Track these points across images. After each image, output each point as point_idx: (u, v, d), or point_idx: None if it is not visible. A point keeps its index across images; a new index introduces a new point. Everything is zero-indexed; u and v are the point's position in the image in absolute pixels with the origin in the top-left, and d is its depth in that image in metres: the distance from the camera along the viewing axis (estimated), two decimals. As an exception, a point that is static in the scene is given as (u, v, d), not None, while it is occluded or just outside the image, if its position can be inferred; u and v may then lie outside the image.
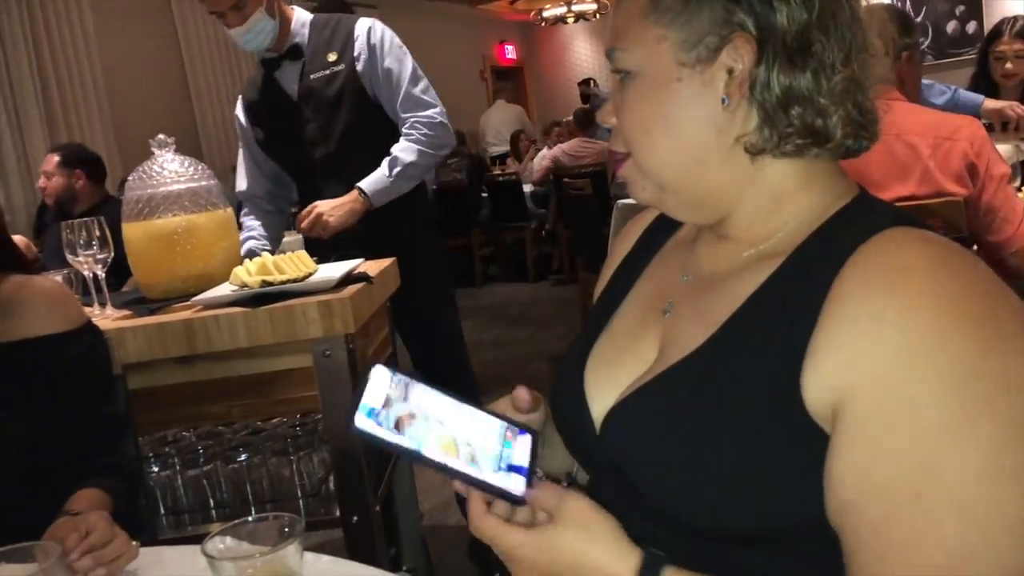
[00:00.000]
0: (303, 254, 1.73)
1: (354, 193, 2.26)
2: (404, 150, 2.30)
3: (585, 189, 4.79)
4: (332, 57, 2.32)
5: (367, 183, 2.27)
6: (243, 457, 1.76)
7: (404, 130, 2.32)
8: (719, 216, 0.79)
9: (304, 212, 2.26)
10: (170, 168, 1.81)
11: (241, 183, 2.52)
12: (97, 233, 1.70)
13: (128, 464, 1.31)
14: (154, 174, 1.80)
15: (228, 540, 0.85)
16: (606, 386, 0.82)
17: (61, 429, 1.20)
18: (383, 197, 2.28)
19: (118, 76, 6.09)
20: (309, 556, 0.98)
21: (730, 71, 0.72)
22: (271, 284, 1.61)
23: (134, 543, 1.03)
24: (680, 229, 0.91)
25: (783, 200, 0.76)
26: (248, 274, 1.64)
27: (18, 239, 3.85)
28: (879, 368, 0.62)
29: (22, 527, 1.06)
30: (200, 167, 1.85)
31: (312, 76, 2.32)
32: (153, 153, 1.83)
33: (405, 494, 2.09)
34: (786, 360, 0.66)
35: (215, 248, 1.81)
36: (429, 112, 2.33)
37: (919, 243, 0.67)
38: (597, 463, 0.82)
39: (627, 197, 5.09)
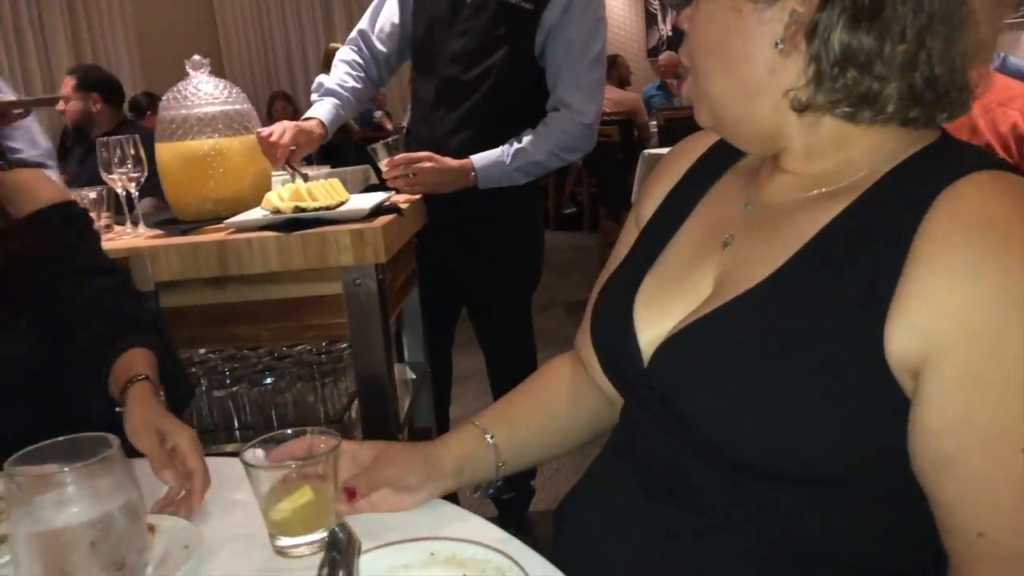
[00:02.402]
0: (336, 183, 1.73)
1: (468, 164, 1.98)
2: (536, 144, 1.99)
3: (612, 136, 4.74)
4: None
5: (481, 161, 1.98)
6: (268, 381, 1.79)
7: (548, 116, 2.01)
8: (771, 150, 0.79)
9: (411, 157, 1.96)
10: (205, 90, 1.80)
11: (368, 23, 2.20)
12: (131, 152, 1.70)
13: (154, 318, 1.31)
14: (189, 95, 1.79)
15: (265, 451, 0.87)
16: (657, 317, 0.81)
17: (76, 284, 1.21)
18: (492, 183, 2.00)
19: (144, 2, 6.04)
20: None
21: (792, 16, 0.70)
22: (304, 210, 1.61)
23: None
24: (741, 158, 0.89)
25: (846, 141, 0.74)
26: (281, 200, 1.64)
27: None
28: (978, 318, 0.62)
29: (67, 396, 1.06)
30: (235, 90, 1.84)
31: None
32: (188, 74, 1.82)
33: (425, 425, 2.12)
34: (866, 304, 0.66)
35: (246, 172, 1.81)
36: (583, 108, 2.00)
37: (1009, 188, 0.65)
38: (640, 393, 0.82)
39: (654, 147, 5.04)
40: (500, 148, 2.01)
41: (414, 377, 2.07)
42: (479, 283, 2.20)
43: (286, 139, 1.89)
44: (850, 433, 0.67)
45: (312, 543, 0.83)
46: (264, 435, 0.87)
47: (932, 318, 0.63)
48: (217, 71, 1.93)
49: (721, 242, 0.82)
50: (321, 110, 2.12)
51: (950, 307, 0.62)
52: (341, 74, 2.20)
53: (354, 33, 2.24)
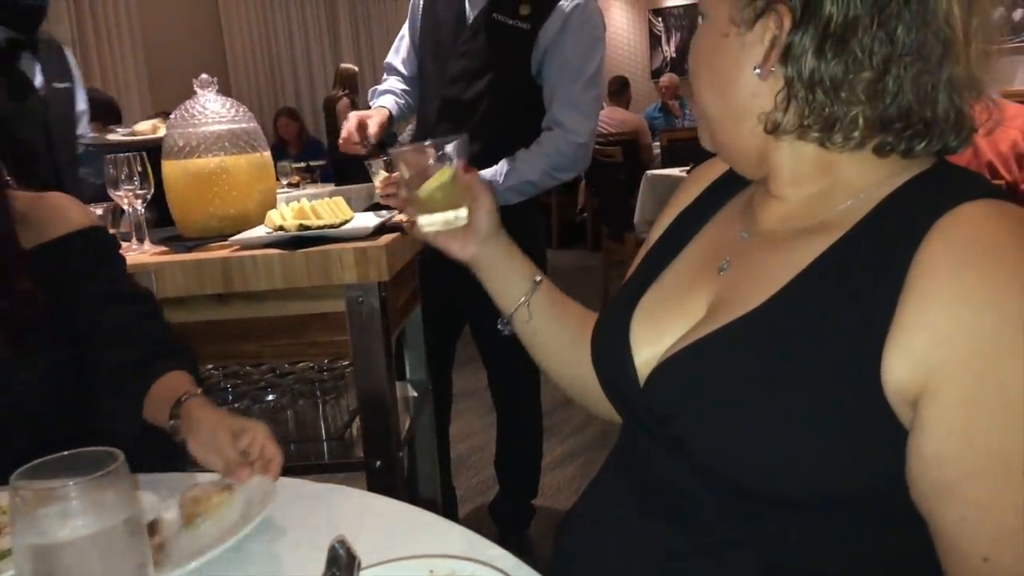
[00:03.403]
0: (340, 201, 1.75)
1: None
2: (529, 163, 2.03)
3: (615, 157, 4.76)
4: (525, 10, 2.01)
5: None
6: (271, 397, 1.80)
7: (541, 135, 2.05)
8: (760, 174, 0.80)
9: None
10: (212, 108, 1.82)
11: (392, 56, 2.30)
12: (139, 168, 1.72)
13: (184, 344, 1.31)
14: (196, 113, 1.81)
15: None
16: (651, 338, 0.83)
17: (106, 309, 1.23)
18: None
19: (154, 20, 6.10)
20: (353, 491, 1.01)
21: (771, 41, 0.72)
22: (308, 228, 1.62)
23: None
24: (746, 188, 0.90)
25: (832, 166, 0.75)
26: (284, 218, 1.66)
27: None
28: (976, 346, 0.62)
29: (100, 426, 1.08)
30: (241, 109, 1.86)
31: (495, 15, 2.03)
32: (196, 92, 1.84)
33: (426, 443, 2.12)
34: (861, 334, 0.66)
35: (252, 190, 1.82)
36: (577, 127, 2.03)
37: (1005, 217, 0.65)
38: (638, 413, 0.83)
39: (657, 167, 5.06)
40: (493, 168, 2.03)
41: (415, 395, 2.07)
42: (482, 302, 2.20)
43: (352, 124, 2.05)
44: (845, 460, 0.67)
45: (449, 221, 0.96)
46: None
47: (930, 346, 0.63)
48: (224, 88, 1.95)
49: (717, 267, 0.83)
50: (383, 102, 2.23)
51: (947, 335, 0.63)
52: (392, 82, 2.31)
53: (384, 66, 2.35)
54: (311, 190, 4.72)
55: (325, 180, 5.21)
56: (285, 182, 4.75)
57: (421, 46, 2.21)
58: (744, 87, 0.75)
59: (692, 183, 0.97)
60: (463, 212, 0.97)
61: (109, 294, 1.25)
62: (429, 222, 0.97)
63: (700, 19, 0.80)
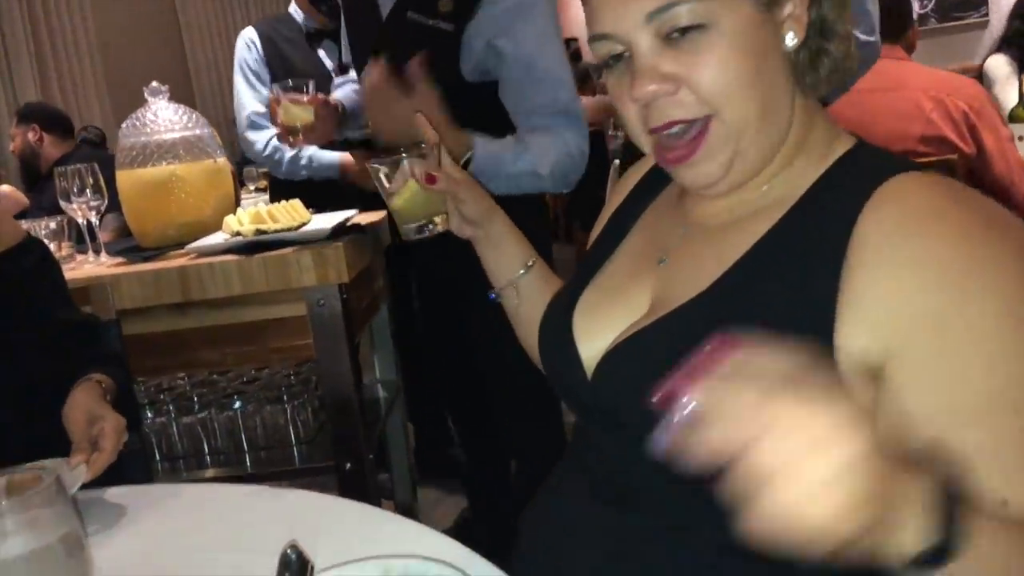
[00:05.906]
0: (297, 203, 1.73)
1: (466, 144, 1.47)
2: (543, 157, 1.56)
3: (582, 148, 4.76)
4: (446, 7, 1.60)
5: (484, 148, 1.48)
6: (238, 405, 1.78)
7: (549, 126, 1.59)
8: (753, 177, 0.77)
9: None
10: (164, 116, 1.80)
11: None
12: (90, 180, 1.70)
13: (113, 353, 1.30)
14: (148, 122, 1.79)
15: None
16: (595, 331, 0.83)
17: (36, 339, 1.21)
18: (482, 180, 1.30)
19: (111, 27, 6.03)
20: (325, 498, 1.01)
21: (791, 10, 0.73)
22: (265, 232, 1.61)
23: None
24: (672, 182, 0.90)
25: (788, 150, 0.76)
26: (240, 223, 1.64)
27: (6, 188, 3.86)
28: (932, 304, 0.63)
29: (27, 443, 1.08)
30: (194, 116, 1.84)
31: (411, 14, 1.62)
32: (147, 101, 1.82)
33: (399, 443, 2.12)
34: (808, 312, 0.67)
35: (208, 197, 1.81)
36: (579, 132, 1.63)
37: (936, 185, 0.68)
38: (587, 405, 0.84)
39: (625, 157, 5.06)
40: (501, 143, 1.55)
41: (386, 395, 2.07)
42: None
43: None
44: None
45: (431, 227, 1.05)
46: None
47: (885, 312, 0.64)
48: (186, 92, 1.92)
49: (656, 260, 0.84)
50: None
51: (900, 299, 0.64)
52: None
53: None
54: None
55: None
56: (253, 187, 4.69)
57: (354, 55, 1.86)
58: (782, 70, 0.74)
59: (626, 181, 0.98)
60: (437, 220, 1.05)
61: (54, 319, 1.23)
62: (406, 231, 1.07)
63: (677, 37, 0.72)
